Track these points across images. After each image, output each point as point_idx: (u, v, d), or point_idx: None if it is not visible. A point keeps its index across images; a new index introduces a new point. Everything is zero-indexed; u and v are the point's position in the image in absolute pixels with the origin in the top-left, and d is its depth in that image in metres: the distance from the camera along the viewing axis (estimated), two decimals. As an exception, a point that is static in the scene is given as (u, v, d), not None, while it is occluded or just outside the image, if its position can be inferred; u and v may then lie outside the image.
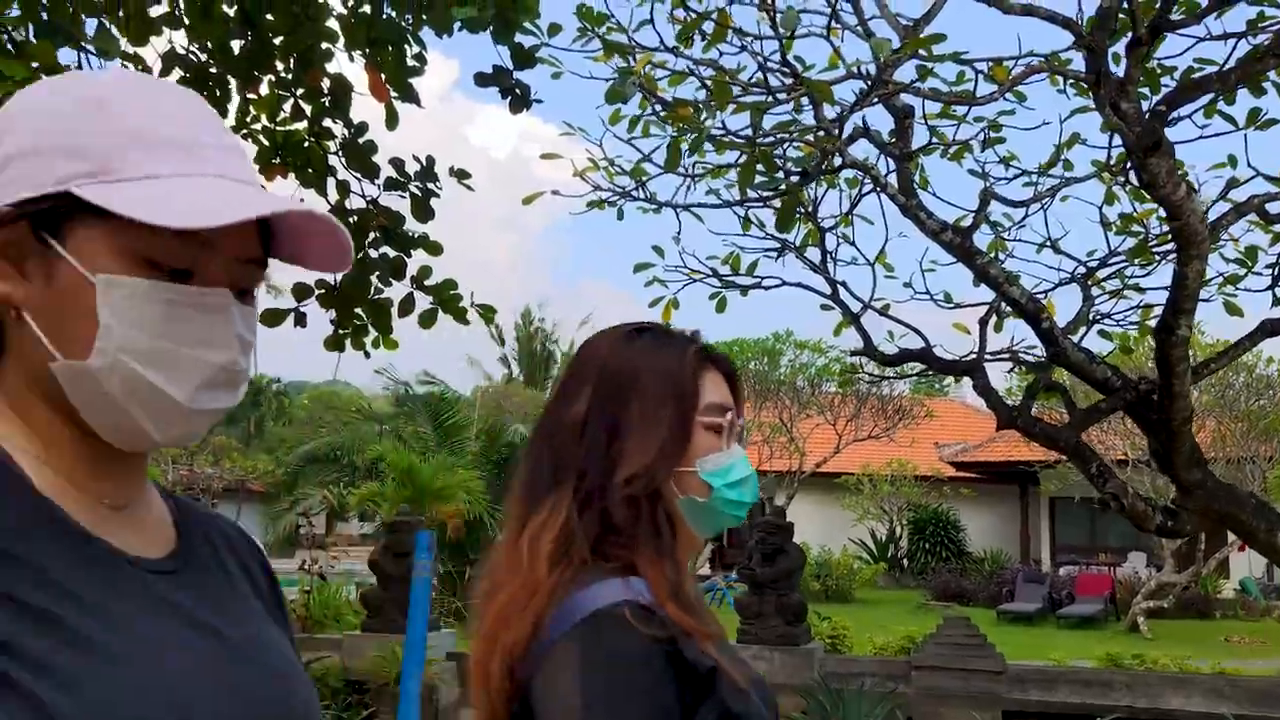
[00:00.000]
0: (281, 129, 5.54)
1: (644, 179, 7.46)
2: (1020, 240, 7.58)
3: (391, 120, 5.26)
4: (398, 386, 15.87)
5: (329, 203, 5.42)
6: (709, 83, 4.57)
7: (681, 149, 4.93)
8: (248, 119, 5.48)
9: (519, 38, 4.75)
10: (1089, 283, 6.77)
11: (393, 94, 5.11)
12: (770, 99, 4.80)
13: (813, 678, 6.50)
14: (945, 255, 7.46)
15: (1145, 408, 5.68)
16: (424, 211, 5.51)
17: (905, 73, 5.77)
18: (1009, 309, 6.90)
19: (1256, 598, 20.72)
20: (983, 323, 6.22)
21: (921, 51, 5.06)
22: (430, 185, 5.48)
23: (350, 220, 5.43)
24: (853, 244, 7.24)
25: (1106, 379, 5.65)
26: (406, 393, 15.83)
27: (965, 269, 6.94)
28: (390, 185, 5.37)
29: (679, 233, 7.64)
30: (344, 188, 5.48)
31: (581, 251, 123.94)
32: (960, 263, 5.96)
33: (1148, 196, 7.29)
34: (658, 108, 6.47)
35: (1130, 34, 4.63)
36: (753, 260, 7.61)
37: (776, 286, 7.57)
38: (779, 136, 5.25)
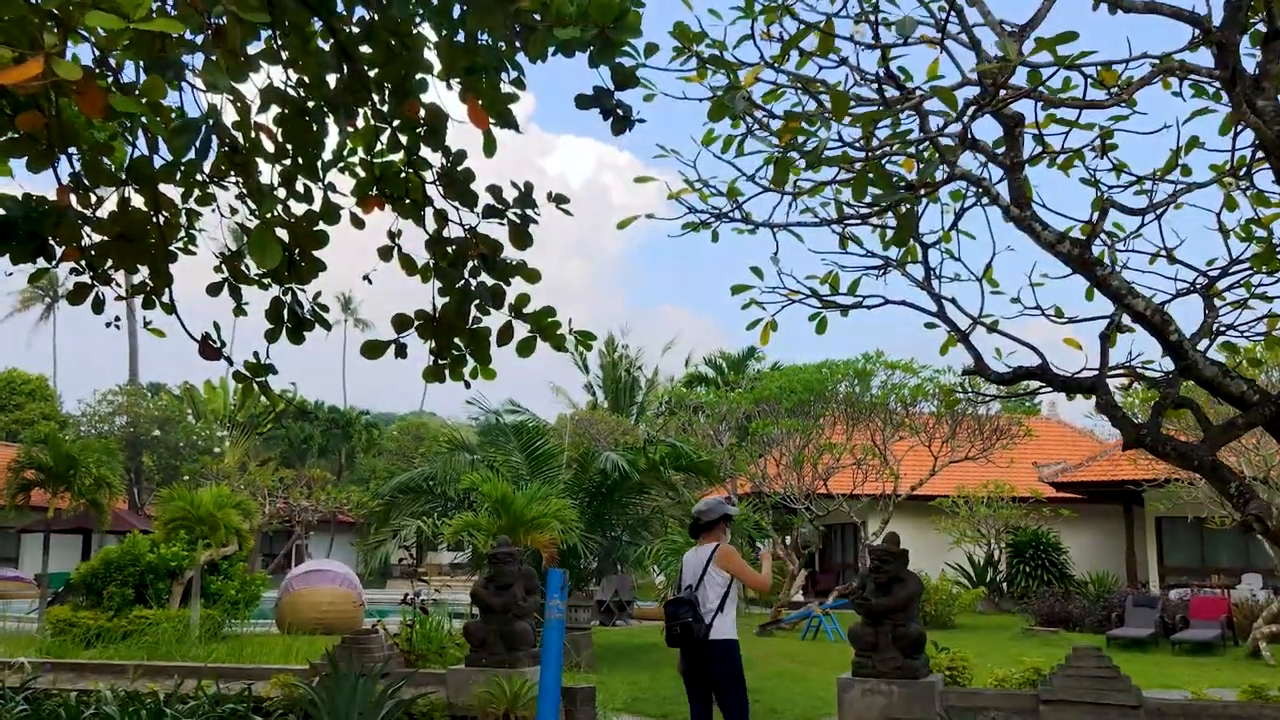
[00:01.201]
0: (378, 160, 5.51)
1: (740, 199, 7.34)
2: (1134, 250, 7.30)
3: (489, 147, 5.19)
4: (488, 416, 15.92)
5: (427, 232, 5.37)
6: (823, 95, 4.40)
7: (790, 163, 4.76)
8: (345, 152, 5.48)
9: (618, 58, 4.65)
10: (1210, 293, 6.46)
11: (490, 121, 5.04)
12: (882, 109, 4.63)
13: (937, 712, 6.23)
14: (1056, 268, 7.19)
15: (1287, 423, 5.36)
16: (522, 238, 5.43)
17: (1014, 80, 5.56)
18: (1129, 322, 6.63)
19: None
20: (1104, 337, 5.95)
21: (1031, 58, 4.85)
22: (529, 212, 5.41)
23: (449, 249, 5.39)
24: (957, 259, 7.04)
25: (1243, 393, 5.35)
26: (497, 422, 15.87)
27: (1078, 282, 6.67)
28: (489, 213, 5.30)
29: (776, 253, 7.50)
30: (442, 217, 5.42)
31: (658, 278, 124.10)
32: (1078, 275, 5.71)
33: (1272, 201, 6.96)
34: (757, 124, 6.34)
35: (1266, 28, 4.38)
36: (854, 278, 7.44)
37: (879, 305, 7.38)
38: (886, 149, 5.08)
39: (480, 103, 4.98)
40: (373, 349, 5.42)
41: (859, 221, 7.42)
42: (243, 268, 5.60)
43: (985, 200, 7.06)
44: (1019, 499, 26.45)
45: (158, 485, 33.03)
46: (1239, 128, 6.18)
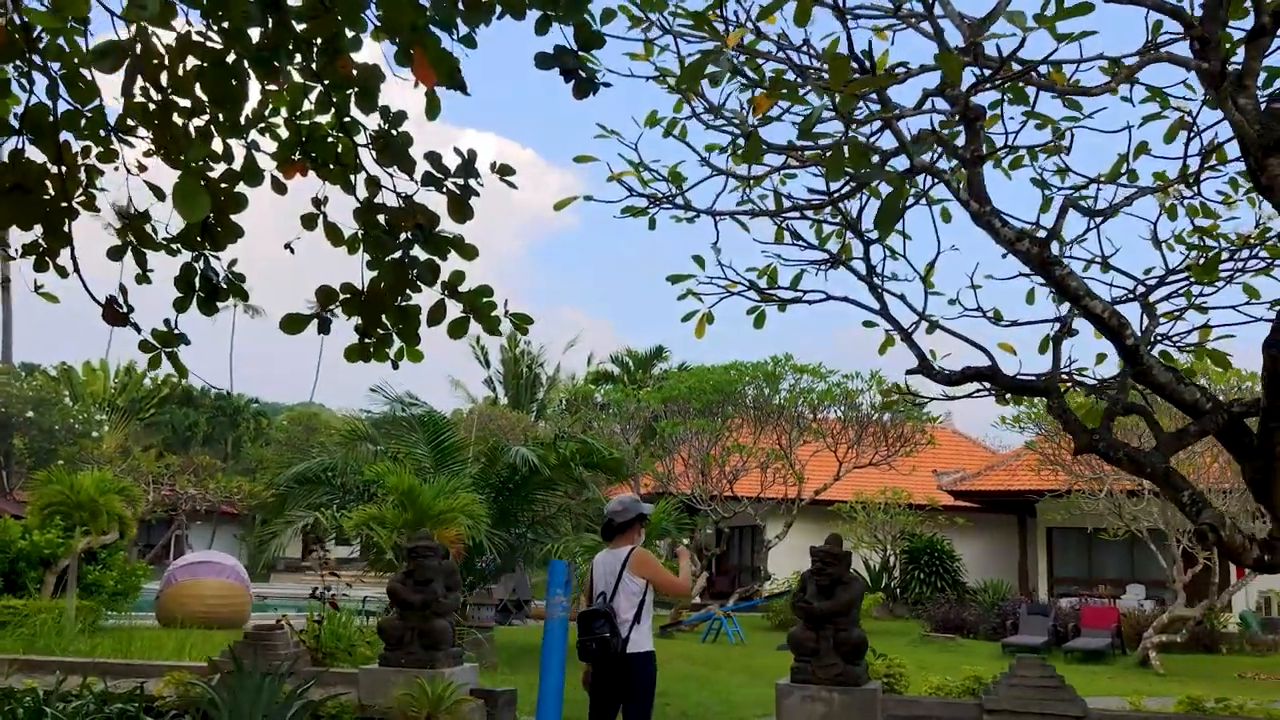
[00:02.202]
0: (304, 122, 5.09)
1: (683, 184, 7.07)
2: (1070, 256, 7.23)
3: (433, 109, 4.80)
4: (392, 407, 15.40)
5: (358, 200, 4.97)
6: (816, 64, 4.14)
7: (759, 141, 4.49)
8: (266, 112, 5.03)
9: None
10: (1146, 303, 6.41)
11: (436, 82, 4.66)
12: (880, 75, 4.36)
13: None
14: (998, 269, 7.07)
15: (1239, 432, 5.30)
16: (462, 210, 5.06)
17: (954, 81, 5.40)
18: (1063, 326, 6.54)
19: (1255, 631, 20.39)
20: (1056, 340, 5.83)
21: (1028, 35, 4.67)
22: (471, 182, 5.04)
23: (380, 219, 5.00)
24: (903, 257, 6.88)
25: (1195, 401, 5.26)
26: (404, 412, 15.35)
27: (1017, 287, 6.55)
28: (427, 181, 4.92)
29: (717, 241, 7.26)
30: (374, 184, 5.01)
31: (555, 279, 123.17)
32: (1035, 274, 5.58)
33: (1216, 212, 6.94)
34: (707, 109, 6.07)
35: (1252, 24, 4.27)
36: (796, 272, 7.23)
37: (821, 300, 7.19)
38: (857, 129, 4.86)
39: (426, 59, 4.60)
40: (293, 323, 5.02)
41: (798, 215, 7.25)
42: (149, 230, 5.15)
43: (924, 200, 6.97)
44: (915, 506, 26.79)
45: (30, 469, 31.42)
46: (1190, 135, 6.16)
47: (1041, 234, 5.48)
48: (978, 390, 6.49)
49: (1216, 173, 6.28)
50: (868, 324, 7.15)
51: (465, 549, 11.90)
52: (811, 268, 7.10)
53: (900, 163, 5.36)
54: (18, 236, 5.20)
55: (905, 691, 7.01)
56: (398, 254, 5.03)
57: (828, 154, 4.61)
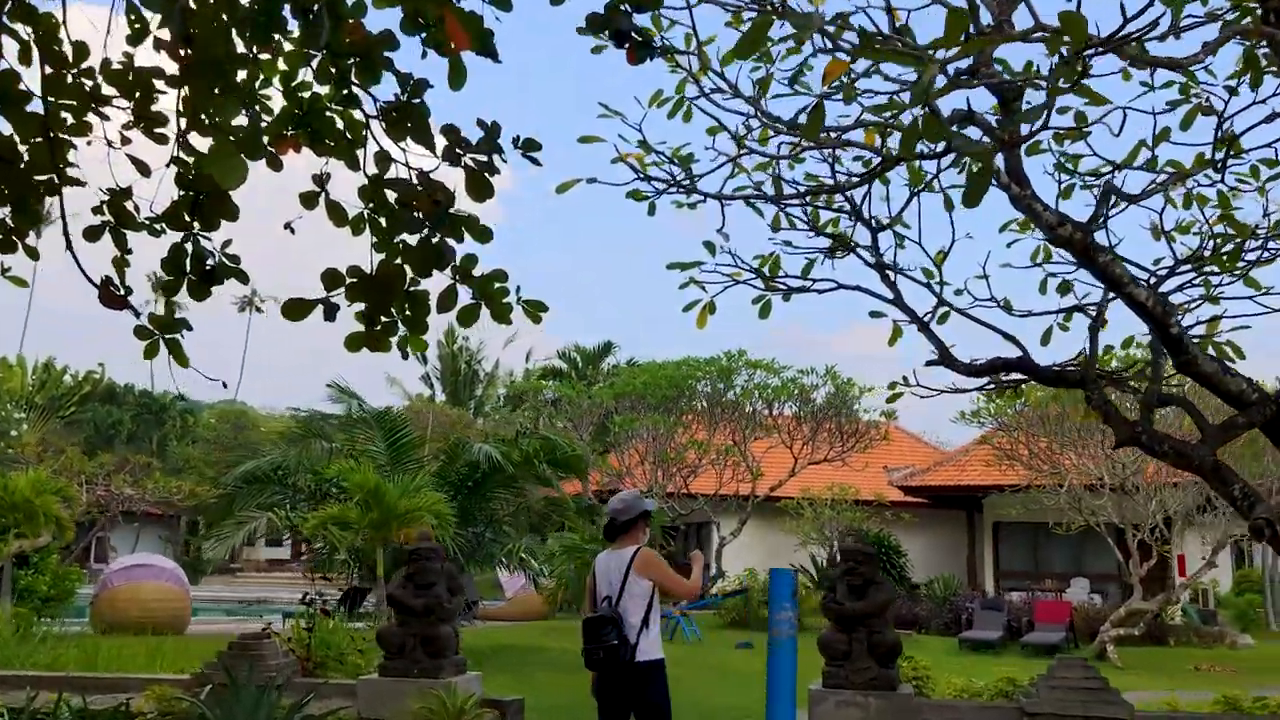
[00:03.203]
0: (304, 94, 4.71)
1: (690, 167, 6.77)
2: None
3: (458, 77, 4.42)
4: (349, 400, 14.88)
5: (366, 176, 4.58)
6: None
7: (822, 113, 4.19)
8: (257, 83, 4.63)
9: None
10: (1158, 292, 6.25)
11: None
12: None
13: None
14: (1007, 257, 6.85)
15: (1289, 425, 5.15)
16: (482, 188, 4.66)
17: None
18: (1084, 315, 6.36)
19: (1196, 623, 20.70)
20: (1093, 329, 5.65)
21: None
22: (492, 158, 4.69)
23: (388, 197, 4.62)
24: (918, 243, 6.66)
25: (1241, 392, 5.10)
26: (360, 408, 14.85)
27: (1017, 276, 6.35)
28: (447, 157, 4.53)
29: (723, 226, 6.97)
30: (383, 159, 4.62)
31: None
32: (1078, 260, 5.38)
33: (1228, 199, 6.80)
34: (716, 89, 5.79)
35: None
36: (808, 260, 6.98)
37: (831, 290, 6.95)
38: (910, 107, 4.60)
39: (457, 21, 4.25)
40: (296, 309, 4.61)
41: (802, 202, 7.00)
42: (130, 209, 4.73)
43: (938, 185, 6.76)
44: (861, 502, 26.80)
45: (-57, 469, 30.07)
46: (1220, 121, 6.01)
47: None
48: (1002, 381, 6.30)
49: (1239, 159, 6.16)
50: (875, 314, 6.94)
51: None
52: (818, 256, 6.87)
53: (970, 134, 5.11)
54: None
55: (932, 695, 6.80)
56: (413, 236, 4.66)
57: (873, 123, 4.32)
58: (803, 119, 6.28)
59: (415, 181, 4.59)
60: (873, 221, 6.73)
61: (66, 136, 4.70)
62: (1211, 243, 6.39)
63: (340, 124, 4.73)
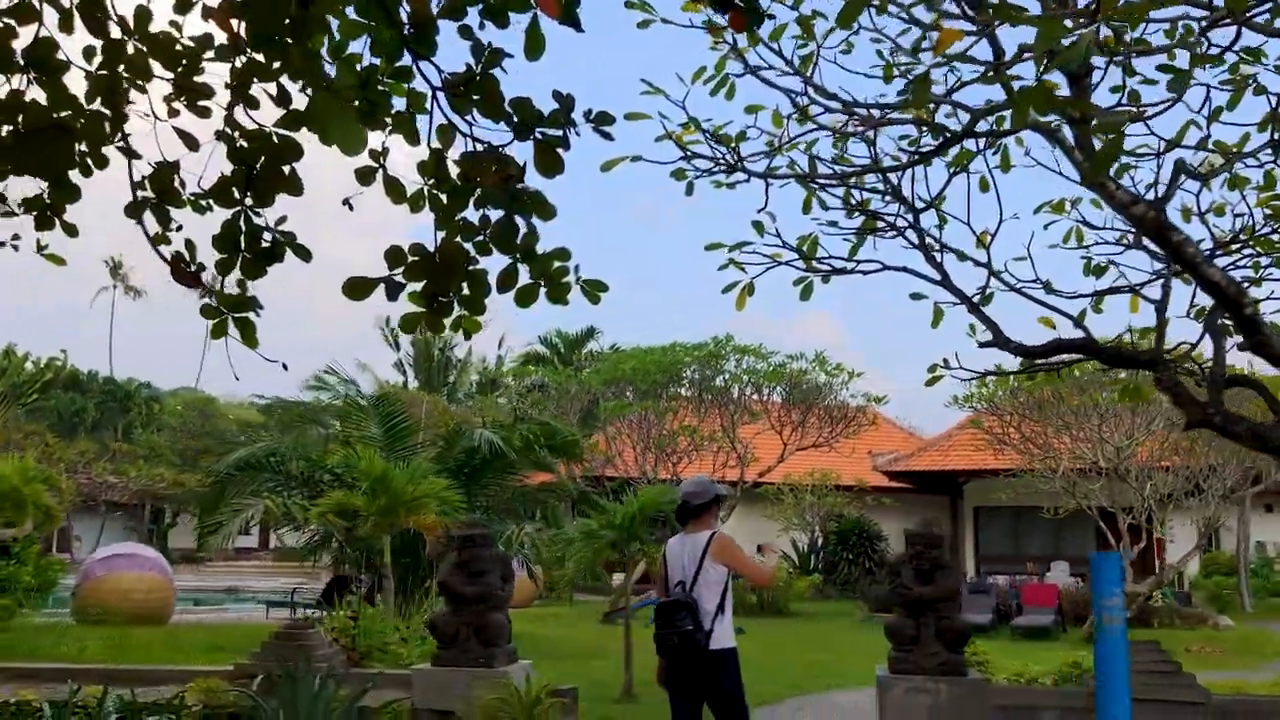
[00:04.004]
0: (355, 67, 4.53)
1: (733, 146, 6.64)
2: (1111, 228, 7.02)
3: (536, 47, 4.26)
4: (348, 387, 14.67)
5: (430, 148, 4.40)
6: None
7: (928, 81, 4.07)
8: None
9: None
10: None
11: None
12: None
13: (989, 712, 5.77)
14: (1044, 239, 6.79)
15: (1363, 406, 5.11)
16: (552, 164, 4.49)
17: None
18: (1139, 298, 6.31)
19: (1176, 605, 20.93)
20: (1160, 311, 5.58)
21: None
22: (567, 132, 4.54)
23: (450, 172, 4.45)
24: (967, 224, 6.58)
25: (1314, 373, 5.07)
26: (358, 394, 14.63)
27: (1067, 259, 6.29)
28: (519, 131, 4.36)
29: (765, 206, 6.85)
30: (447, 133, 4.44)
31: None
32: (1151, 240, 5.31)
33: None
34: (766, 64, 5.68)
35: None
36: (853, 243, 6.88)
37: (876, 271, 6.85)
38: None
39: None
40: (358, 288, 4.44)
41: (838, 182, 6.90)
42: (176, 184, 4.55)
43: (982, 164, 6.67)
44: (842, 487, 26.87)
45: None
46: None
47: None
48: (1051, 364, 6.24)
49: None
50: (915, 296, 6.86)
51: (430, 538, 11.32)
52: (864, 237, 6.77)
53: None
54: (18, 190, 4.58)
55: (993, 680, 6.76)
56: (480, 212, 4.50)
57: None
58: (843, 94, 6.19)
59: (481, 156, 4.43)
60: (914, 202, 6.65)
61: (99, 109, 4.53)
62: (1260, 223, 6.35)
63: (391, 97, 4.55)
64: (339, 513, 11.27)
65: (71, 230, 4.76)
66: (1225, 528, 24.95)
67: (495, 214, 4.49)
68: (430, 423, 16.00)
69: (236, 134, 4.43)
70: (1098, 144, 5.13)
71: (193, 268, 4.12)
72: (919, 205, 6.64)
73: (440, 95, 4.40)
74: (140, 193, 4.53)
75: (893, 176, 6.62)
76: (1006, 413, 18.18)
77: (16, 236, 4.78)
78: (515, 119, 4.30)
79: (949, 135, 5.30)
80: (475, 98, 4.34)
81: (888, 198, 6.85)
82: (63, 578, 17.91)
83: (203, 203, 4.55)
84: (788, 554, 27.68)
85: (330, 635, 7.07)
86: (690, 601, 5.69)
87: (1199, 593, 24.09)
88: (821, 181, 6.75)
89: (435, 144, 4.42)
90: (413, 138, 4.45)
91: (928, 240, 6.60)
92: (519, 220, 4.43)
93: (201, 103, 4.50)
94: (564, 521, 17.84)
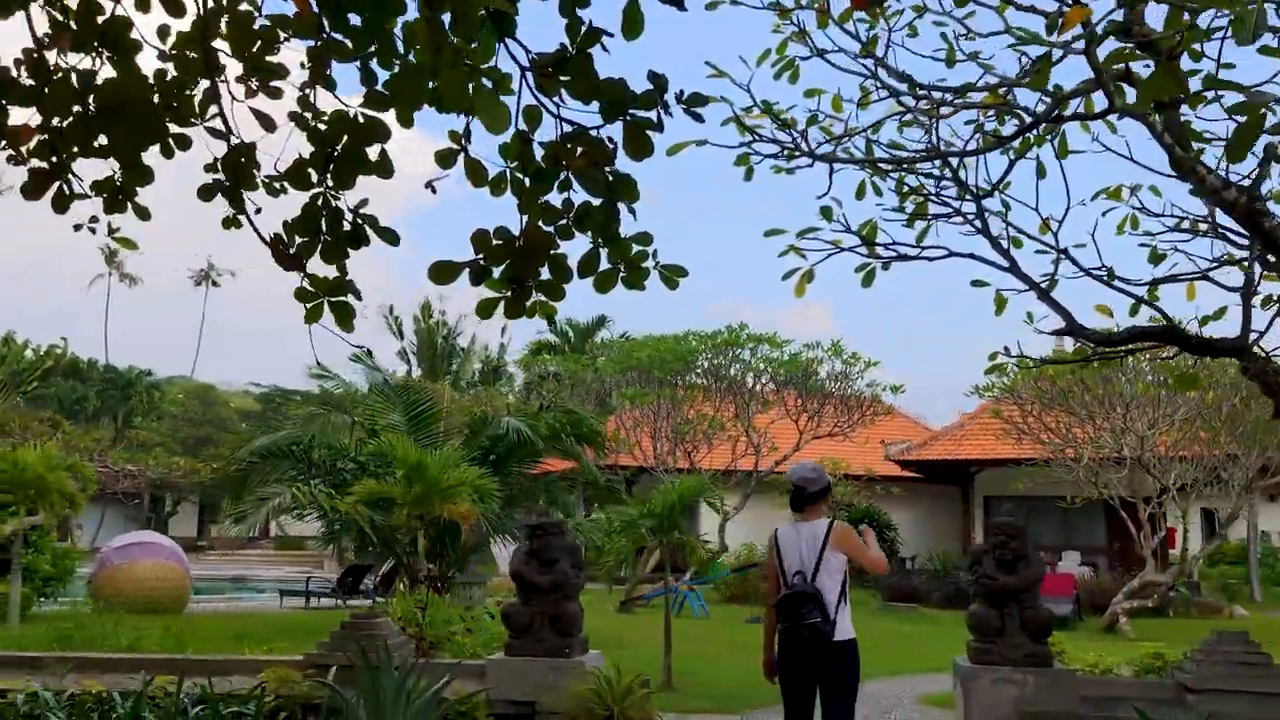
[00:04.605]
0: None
1: (796, 130, 6.57)
2: (1171, 214, 6.95)
3: (634, 26, 4.18)
4: (373, 375, 14.59)
5: (517, 129, 4.31)
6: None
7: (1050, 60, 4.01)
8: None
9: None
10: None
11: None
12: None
13: (1075, 703, 5.72)
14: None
15: None
16: (643, 146, 4.38)
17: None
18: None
19: (1191, 597, 20.95)
20: (1246, 296, 5.52)
21: None
22: (660, 114, 4.46)
23: (535, 154, 4.36)
24: (1034, 208, 6.51)
25: (1404, 360, 5.02)
26: (385, 383, 14.56)
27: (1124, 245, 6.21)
28: (610, 113, 4.26)
29: (828, 192, 6.76)
30: (534, 115, 4.35)
31: (441, 249, 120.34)
32: (1242, 225, 5.24)
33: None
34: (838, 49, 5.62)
35: None
36: (924, 227, 6.81)
37: (943, 257, 6.78)
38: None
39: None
40: (443, 272, 4.36)
41: (896, 167, 6.82)
42: (252, 168, 4.47)
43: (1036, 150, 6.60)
44: (851, 476, 26.83)
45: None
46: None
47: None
48: (1131, 348, 6.17)
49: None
50: (977, 283, 6.79)
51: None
52: (931, 222, 6.71)
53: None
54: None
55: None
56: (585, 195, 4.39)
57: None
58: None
59: (573, 139, 4.34)
60: (976, 188, 6.59)
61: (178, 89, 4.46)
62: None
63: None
64: (383, 503, 11.22)
65: (144, 213, 4.67)
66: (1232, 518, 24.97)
67: (579, 198, 4.41)
68: (442, 411, 15.87)
69: (310, 115, 4.36)
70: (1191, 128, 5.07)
71: (292, 250, 4.04)
72: (981, 191, 6.58)
73: (528, 75, 4.32)
74: (213, 175, 4.46)
75: (953, 162, 6.56)
76: (1028, 402, 18.15)
77: (94, 219, 4.68)
78: (604, 100, 4.22)
79: (1034, 117, 5.23)
80: (564, 78, 4.25)
81: (945, 183, 6.79)
82: (79, 567, 17.86)
83: (276, 185, 4.48)
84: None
85: (397, 624, 6.99)
86: (816, 592, 5.57)
87: (1206, 583, 24.12)
88: (889, 165, 6.68)
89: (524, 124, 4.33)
90: (495, 124, 4.35)
91: (988, 227, 6.55)
92: (605, 204, 4.36)
93: (275, 83, 4.43)
94: (574, 510, 17.81)
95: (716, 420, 21.85)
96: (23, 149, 4.27)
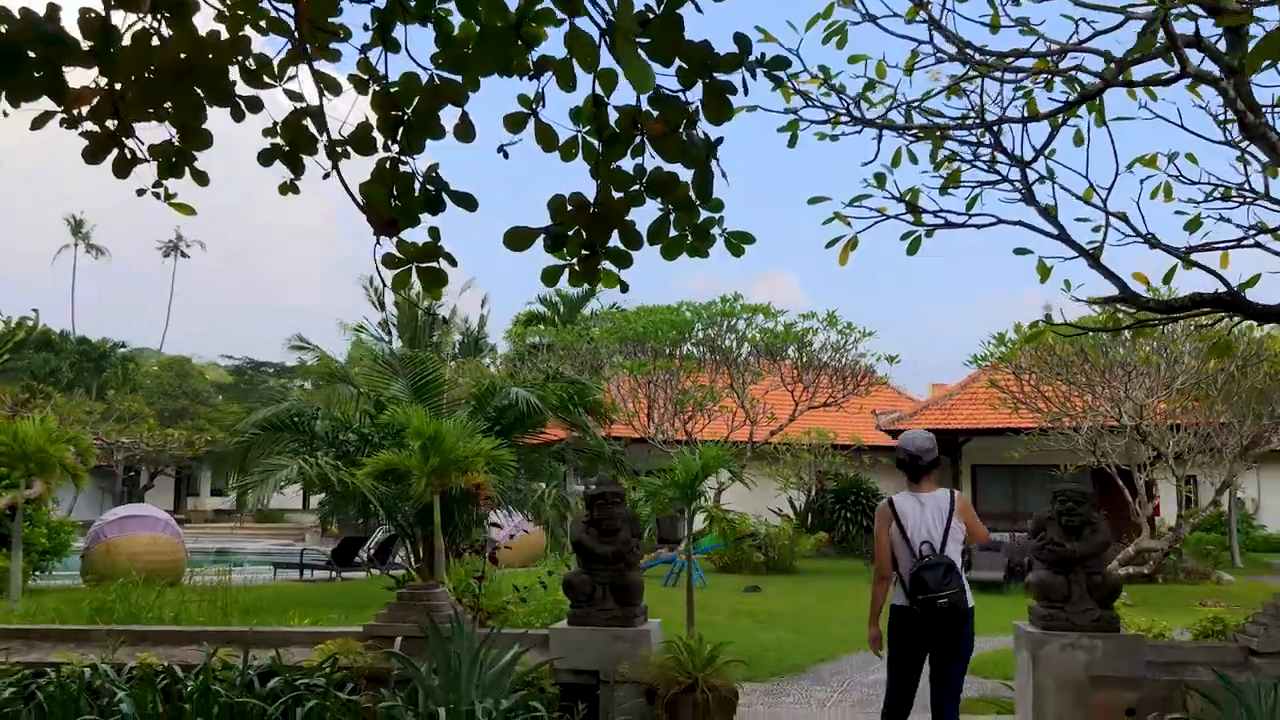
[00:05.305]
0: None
1: (850, 98, 6.51)
2: (1204, 184, 6.97)
3: (725, -15, 4.11)
4: (379, 346, 14.40)
5: (593, 94, 4.23)
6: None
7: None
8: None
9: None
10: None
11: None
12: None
13: (1144, 669, 5.75)
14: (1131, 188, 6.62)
15: None
16: (724, 110, 4.30)
17: None
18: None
19: (1177, 563, 21.20)
20: (1309, 263, 5.53)
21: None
22: (745, 77, 4.38)
23: (609, 119, 4.28)
24: (1083, 176, 6.49)
25: None
26: (392, 353, 14.40)
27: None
28: (691, 76, 4.17)
29: (876, 158, 6.72)
30: (608, 78, 4.26)
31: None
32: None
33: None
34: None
35: None
36: (972, 194, 6.78)
37: (990, 224, 6.76)
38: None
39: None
40: (518, 238, 4.29)
41: (935, 131, 6.78)
42: (322, 130, 4.38)
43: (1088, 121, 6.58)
44: (839, 446, 26.92)
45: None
46: None
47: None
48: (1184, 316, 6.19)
49: None
50: (1020, 251, 6.78)
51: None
52: (980, 190, 6.69)
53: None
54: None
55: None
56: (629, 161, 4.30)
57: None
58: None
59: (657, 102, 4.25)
60: (1019, 157, 6.57)
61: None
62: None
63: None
64: (395, 474, 11.13)
65: (202, 178, 4.57)
66: (1210, 484, 25.28)
67: (650, 163, 4.33)
68: (446, 381, 15.76)
69: (369, 78, 4.28)
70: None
71: (390, 216, 3.95)
72: (1024, 160, 6.56)
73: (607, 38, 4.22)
74: (272, 140, 4.38)
75: (998, 130, 6.53)
76: (1026, 371, 18.23)
77: (159, 183, 4.56)
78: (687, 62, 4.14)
79: (1104, 81, 5.20)
80: (645, 40, 4.16)
81: (982, 150, 6.77)
82: (75, 540, 17.67)
83: (338, 149, 4.39)
84: (784, 512, 27.77)
85: (452, 596, 6.94)
86: (951, 562, 5.62)
87: (1185, 548, 24.46)
88: (942, 132, 6.63)
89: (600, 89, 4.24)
90: (567, 83, 4.27)
91: (1033, 194, 6.53)
92: (673, 172, 4.28)
93: (332, 45, 4.34)
94: (563, 481, 17.76)
95: (715, 392, 21.82)
96: (76, 112, 4.15)
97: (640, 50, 3.25)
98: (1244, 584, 20.73)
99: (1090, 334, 7.55)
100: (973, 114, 6.53)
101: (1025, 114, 5.98)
